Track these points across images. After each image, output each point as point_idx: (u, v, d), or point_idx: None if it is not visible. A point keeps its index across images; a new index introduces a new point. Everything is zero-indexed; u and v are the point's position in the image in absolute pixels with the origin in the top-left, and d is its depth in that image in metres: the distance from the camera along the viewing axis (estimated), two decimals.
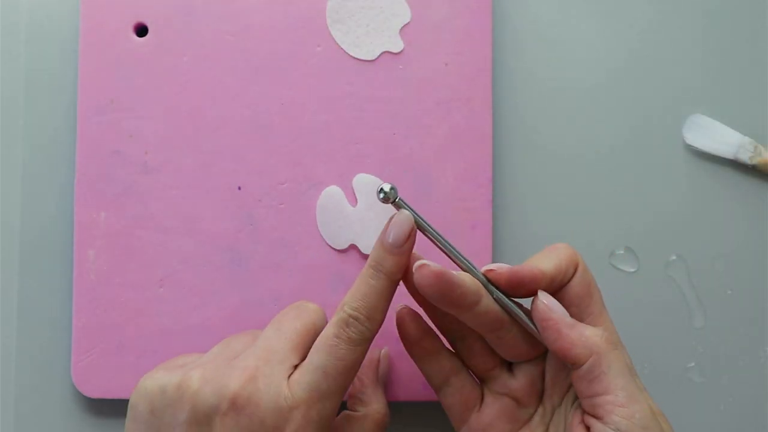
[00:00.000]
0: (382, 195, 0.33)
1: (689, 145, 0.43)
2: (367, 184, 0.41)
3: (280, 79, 0.41)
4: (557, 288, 0.34)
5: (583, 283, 0.34)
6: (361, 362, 0.33)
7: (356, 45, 0.41)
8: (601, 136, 0.43)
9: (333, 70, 0.41)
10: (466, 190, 0.41)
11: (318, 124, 0.41)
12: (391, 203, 0.33)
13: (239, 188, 0.41)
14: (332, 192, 0.41)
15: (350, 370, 0.33)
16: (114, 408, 0.42)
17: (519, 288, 0.33)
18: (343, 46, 0.41)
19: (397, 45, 0.41)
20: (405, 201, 0.34)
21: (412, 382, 0.40)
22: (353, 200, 0.41)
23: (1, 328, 0.42)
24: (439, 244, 0.34)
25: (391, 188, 0.33)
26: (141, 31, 0.41)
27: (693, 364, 0.43)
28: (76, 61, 0.42)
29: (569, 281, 0.34)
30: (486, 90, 0.42)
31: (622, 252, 0.43)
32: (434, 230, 0.34)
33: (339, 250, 0.41)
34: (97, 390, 0.40)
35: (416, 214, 0.33)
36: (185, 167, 0.41)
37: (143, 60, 0.41)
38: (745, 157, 0.43)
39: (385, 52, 0.41)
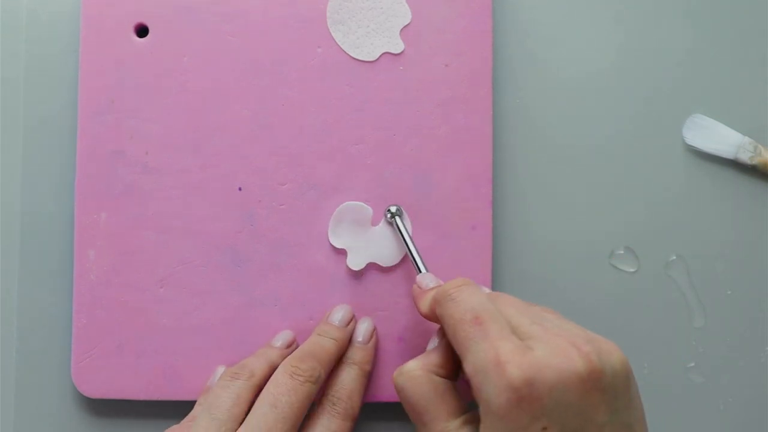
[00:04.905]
0: (389, 215, 0.40)
1: (689, 145, 0.43)
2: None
3: (280, 79, 0.41)
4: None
5: (443, 322, 0.34)
6: None
7: (357, 46, 0.41)
8: (601, 137, 0.43)
9: (333, 71, 0.41)
10: (466, 190, 0.41)
11: (318, 125, 0.41)
12: (389, 221, 0.41)
13: (239, 189, 0.41)
14: (356, 207, 0.41)
15: None
16: (114, 408, 0.42)
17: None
18: (343, 47, 0.41)
19: (397, 46, 0.41)
20: (400, 222, 0.40)
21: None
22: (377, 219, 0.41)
23: (1, 328, 0.42)
24: (410, 255, 0.40)
25: (397, 209, 0.41)
26: (141, 31, 0.41)
27: (693, 364, 0.43)
28: (76, 62, 0.42)
29: None
30: (486, 90, 0.42)
31: (622, 252, 0.43)
32: (411, 248, 0.40)
33: (339, 250, 0.41)
34: (97, 390, 0.40)
35: (403, 232, 0.40)
36: (185, 167, 0.41)
37: (143, 60, 0.41)
38: (745, 157, 0.43)
39: (385, 53, 0.41)
